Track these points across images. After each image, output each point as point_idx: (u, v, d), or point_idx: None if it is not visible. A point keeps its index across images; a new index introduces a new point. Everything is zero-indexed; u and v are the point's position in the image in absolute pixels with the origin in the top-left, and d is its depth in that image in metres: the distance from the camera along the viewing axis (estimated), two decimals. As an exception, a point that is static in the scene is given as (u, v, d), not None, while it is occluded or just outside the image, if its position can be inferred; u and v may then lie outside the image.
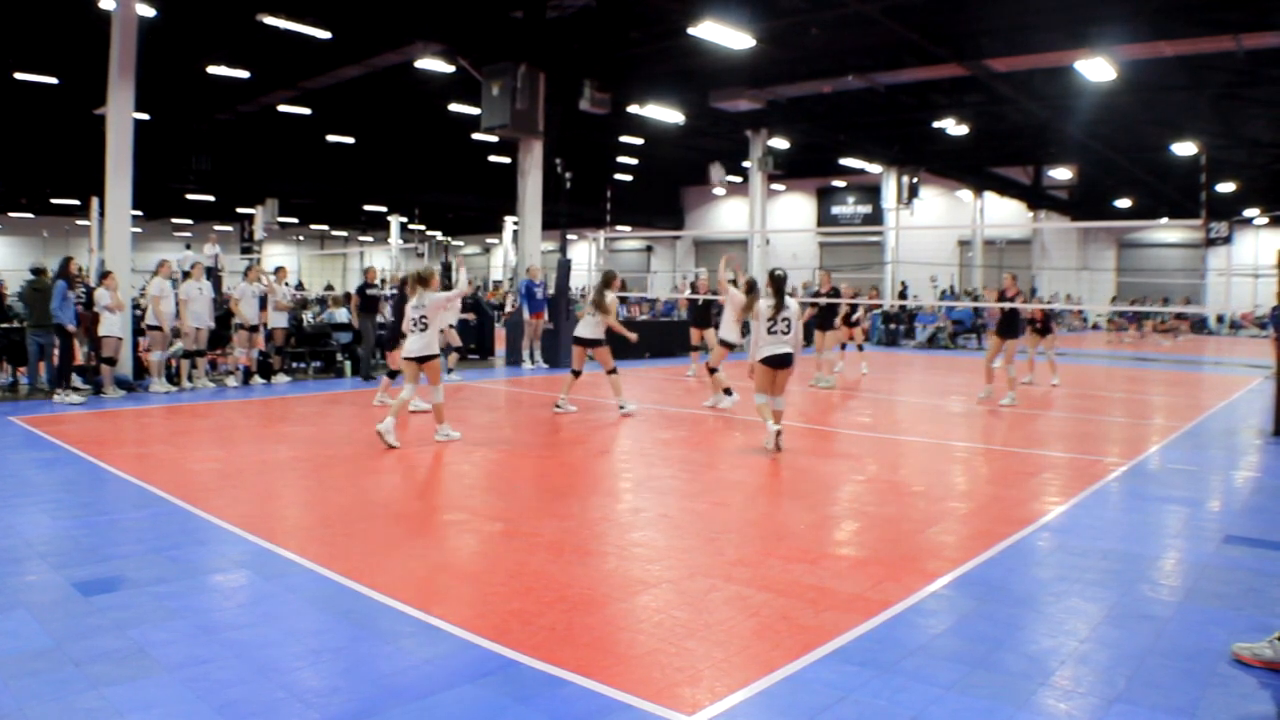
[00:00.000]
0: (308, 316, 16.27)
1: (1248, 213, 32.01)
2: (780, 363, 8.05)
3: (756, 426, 9.07)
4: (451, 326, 13.07)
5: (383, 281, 11.67)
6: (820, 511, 6.29)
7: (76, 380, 11.56)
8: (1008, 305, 11.82)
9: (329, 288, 30.31)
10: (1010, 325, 11.65)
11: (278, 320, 13.43)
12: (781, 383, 8.17)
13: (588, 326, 10.30)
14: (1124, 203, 33.47)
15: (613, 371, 10.43)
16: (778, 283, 8.06)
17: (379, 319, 13.82)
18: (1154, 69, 17.27)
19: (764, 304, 8.05)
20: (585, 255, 40.86)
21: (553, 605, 4.18)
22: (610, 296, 10.28)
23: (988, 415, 10.98)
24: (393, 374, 11.09)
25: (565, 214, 19.45)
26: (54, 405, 10.49)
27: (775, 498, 6.71)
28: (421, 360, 8.26)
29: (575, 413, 10.38)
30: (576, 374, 10.40)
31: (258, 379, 12.94)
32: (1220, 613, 4.22)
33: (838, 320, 13.99)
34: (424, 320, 8.21)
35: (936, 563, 4.93)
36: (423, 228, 35.20)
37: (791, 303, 8.11)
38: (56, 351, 11.89)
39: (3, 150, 25.42)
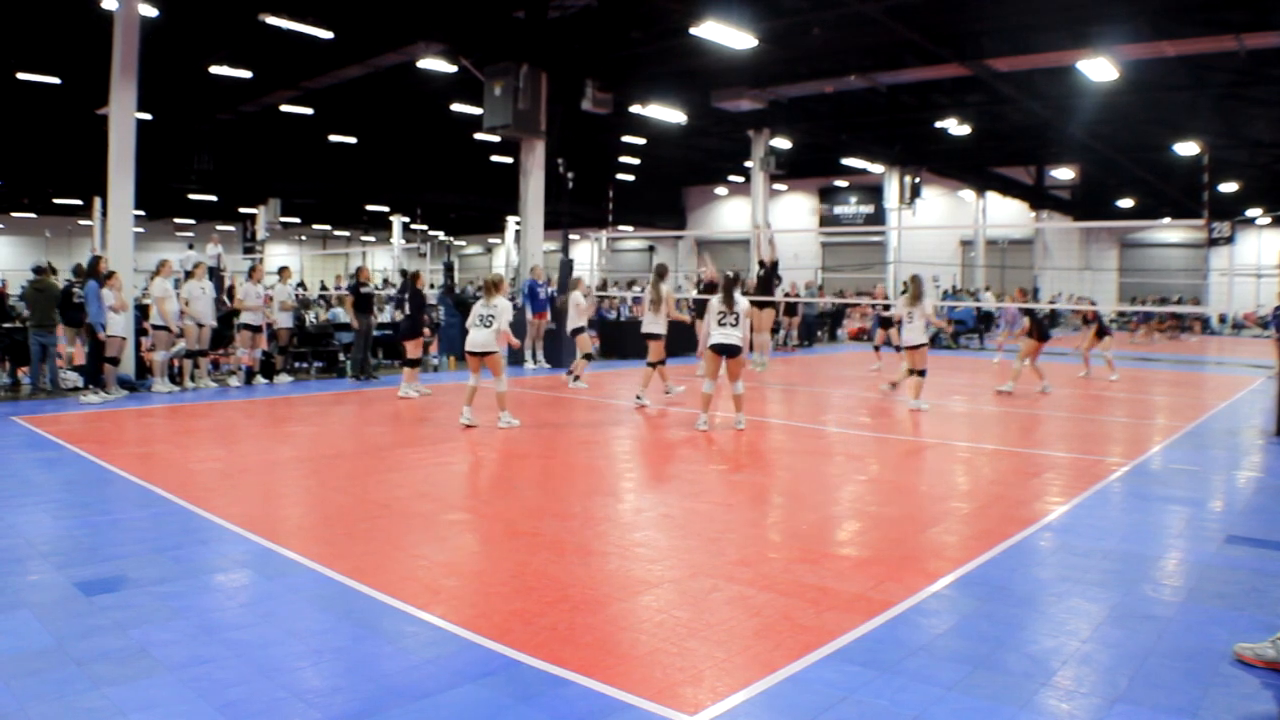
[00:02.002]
0: (310, 317, 16.28)
1: (1250, 212, 31.95)
2: (726, 351, 8.92)
3: (757, 427, 9.09)
4: (581, 332, 13.42)
5: (385, 281, 11.85)
6: (822, 511, 6.29)
7: (78, 379, 11.58)
8: (1032, 308, 12.99)
9: (324, 288, 30.32)
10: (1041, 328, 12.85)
11: (282, 320, 13.44)
12: (732, 370, 9.01)
13: (653, 321, 11.05)
14: (1126, 203, 33.42)
15: (660, 364, 11.22)
16: (728, 282, 9.07)
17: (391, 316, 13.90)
18: (1156, 69, 17.26)
19: (716, 300, 9.06)
20: (587, 255, 40.86)
21: (554, 605, 4.19)
22: (665, 289, 11.02)
23: (989, 415, 10.97)
24: (412, 363, 11.62)
25: (567, 214, 19.39)
26: (55, 405, 10.50)
27: (777, 497, 6.70)
28: (484, 355, 9.04)
29: (652, 408, 10.88)
30: (653, 365, 11.17)
31: (260, 379, 12.94)
32: (1222, 613, 4.22)
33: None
34: (490, 318, 8.97)
35: (938, 563, 4.93)
36: (425, 228, 35.20)
37: (741, 300, 8.99)
38: (65, 351, 11.91)
39: (5, 150, 25.43)
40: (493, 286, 9.26)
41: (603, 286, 22.74)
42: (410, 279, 11.87)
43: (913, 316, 10.98)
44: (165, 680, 3.36)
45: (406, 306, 11.76)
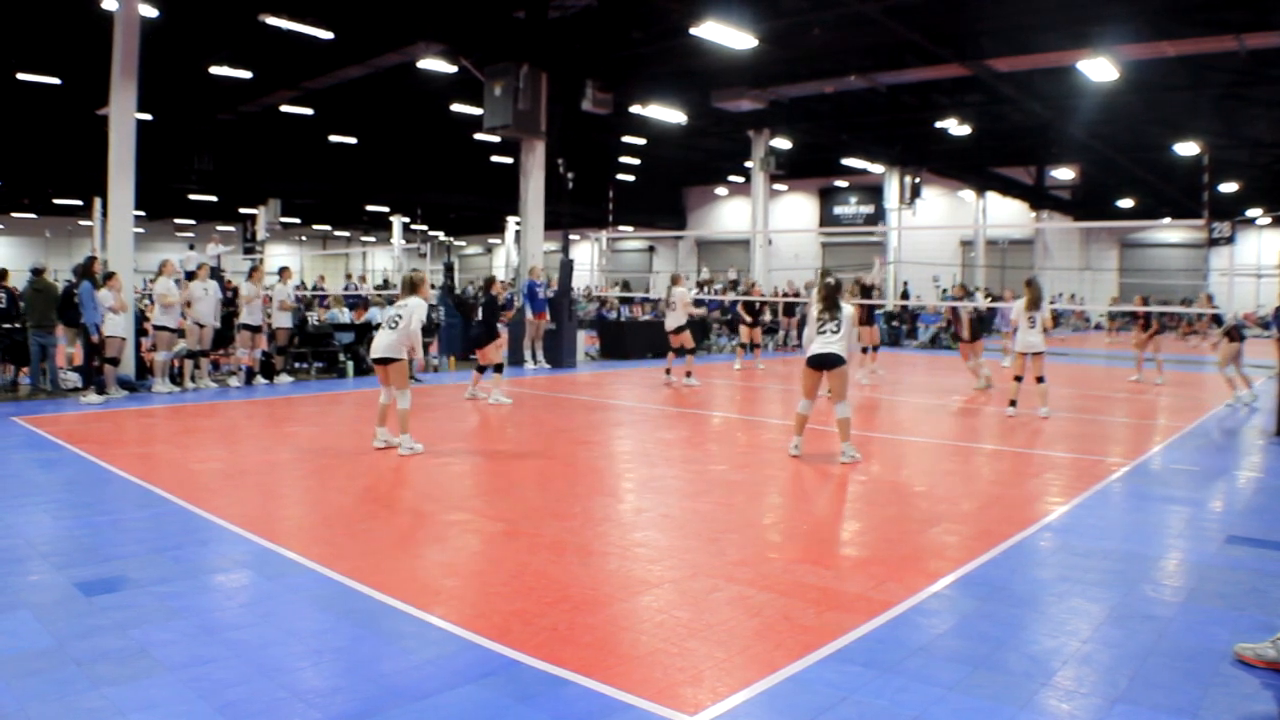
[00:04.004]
0: (312, 318, 16.30)
1: (1250, 213, 31.94)
2: (822, 363, 7.69)
3: (757, 427, 9.07)
4: (681, 330, 13.38)
5: (386, 282, 11.90)
6: (822, 511, 6.29)
7: (77, 379, 11.58)
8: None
9: (317, 288, 30.27)
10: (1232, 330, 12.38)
11: (281, 320, 13.44)
12: (834, 386, 7.72)
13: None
14: (1126, 203, 33.43)
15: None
16: (829, 288, 7.94)
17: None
18: (1156, 69, 17.26)
19: (814, 307, 7.94)
20: (587, 255, 40.86)
21: (555, 605, 4.18)
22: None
23: (989, 416, 10.97)
24: (482, 369, 11.46)
25: (567, 214, 19.40)
26: (55, 405, 10.50)
27: (777, 498, 6.70)
28: (385, 362, 7.86)
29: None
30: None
31: (260, 379, 12.94)
32: (1222, 613, 4.21)
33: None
34: (397, 319, 7.87)
35: (939, 563, 4.93)
36: (425, 228, 35.19)
37: (845, 306, 7.85)
38: (65, 351, 11.89)
39: (5, 150, 25.43)
40: (410, 286, 8.11)
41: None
42: (485, 284, 11.76)
43: (1034, 321, 10.51)
44: (165, 680, 3.35)
45: (480, 312, 11.51)
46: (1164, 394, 13.59)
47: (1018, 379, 10.64)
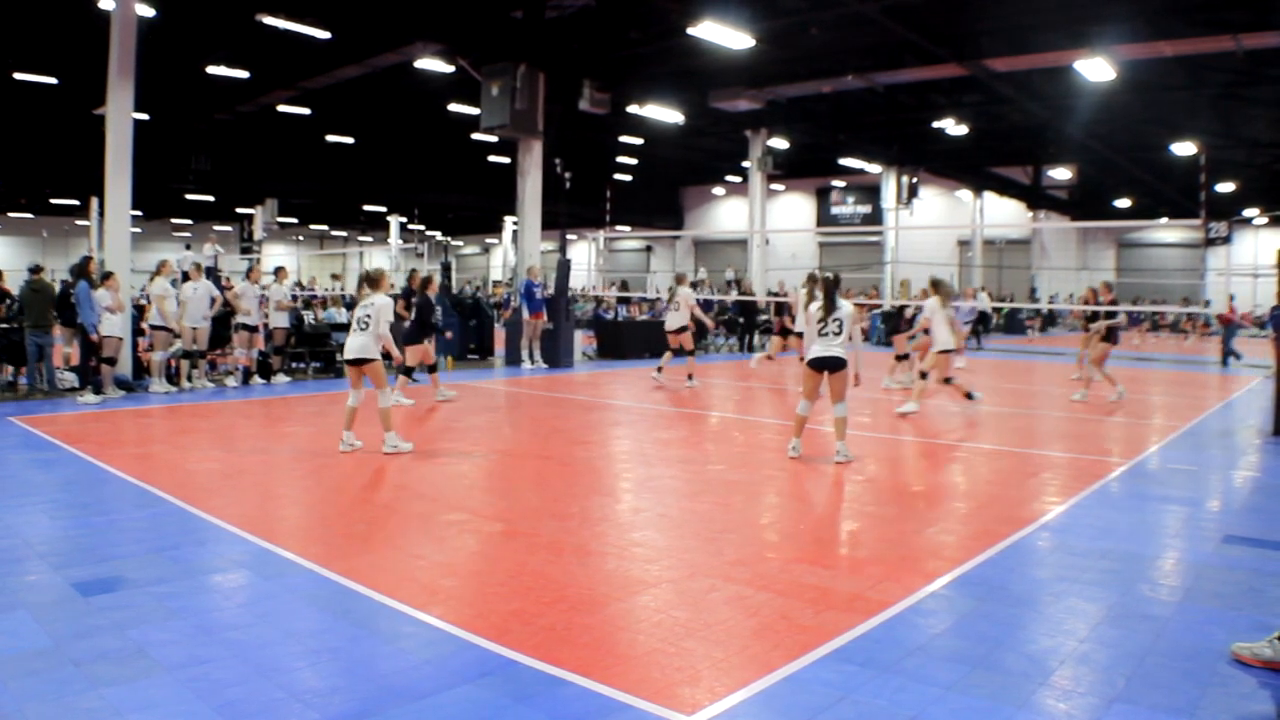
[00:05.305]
0: (309, 317, 16.27)
1: (1247, 212, 32.01)
2: (827, 365, 7.62)
3: (755, 427, 9.06)
4: (682, 331, 13.08)
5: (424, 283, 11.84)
6: (820, 511, 6.29)
7: (74, 379, 11.56)
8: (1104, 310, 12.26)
9: (309, 288, 30.22)
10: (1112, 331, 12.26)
11: (278, 320, 13.41)
12: (834, 388, 7.69)
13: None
14: (1123, 203, 33.48)
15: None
16: (827, 285, 7.76)
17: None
18: (1154, 69, 17.29)
19: (814, 307, 7.80)
20: (585, 255, 40.90)
21: (552, 605, 4.18)
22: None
23: (987, 416, 10.97)
24: (408, 371, 11.22)
25: (565, 214, 19.44)
26: (52, 405, 10.48)
27: (775, 498, 6.70)
28: (360, 363, 7.88)
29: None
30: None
31: (257, 379, 12.93)
32: (1220, 612, 4.22)
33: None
34: (367, 320, 7.82)
35: (936, 563, 4.93)
36: (422, 228, 35.19)
37: (844, 304, 7.72)
38: (63, 351, 11.86)
39: (2, 150, 25.42)
40: (371, 281, 8.00)
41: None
42: (421, 284, 11.37)
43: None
44: (163, 680, 3.35)
45: (413, 312, 11.21)
46: (1160, 393, 13.60)
47: (947, 380, 10.61)
